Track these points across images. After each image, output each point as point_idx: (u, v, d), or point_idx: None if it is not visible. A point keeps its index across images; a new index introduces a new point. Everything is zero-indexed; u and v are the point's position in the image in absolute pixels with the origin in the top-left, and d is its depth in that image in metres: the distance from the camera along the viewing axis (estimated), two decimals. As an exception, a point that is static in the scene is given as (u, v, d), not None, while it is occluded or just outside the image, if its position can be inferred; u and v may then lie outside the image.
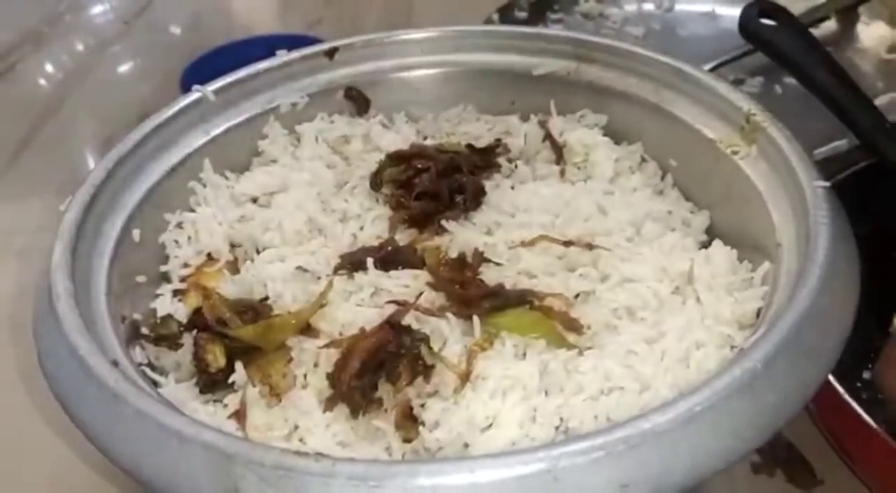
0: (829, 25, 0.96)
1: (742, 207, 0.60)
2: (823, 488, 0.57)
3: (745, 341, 0.49)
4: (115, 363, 0.48)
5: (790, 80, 0.89)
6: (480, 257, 0.59)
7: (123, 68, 1.05)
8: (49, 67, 1.04)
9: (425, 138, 0.73)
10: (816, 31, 0.94)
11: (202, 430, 0.43)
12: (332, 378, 0.52)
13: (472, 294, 0.55)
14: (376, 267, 0.59)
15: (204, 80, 0.69)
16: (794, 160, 0.56)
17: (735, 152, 0.61)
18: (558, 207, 0.63)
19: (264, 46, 0.73)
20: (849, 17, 0.96)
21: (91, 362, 0.47)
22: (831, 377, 0.53)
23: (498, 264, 0.58)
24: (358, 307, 0.56)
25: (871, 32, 0.95)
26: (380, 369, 0.52)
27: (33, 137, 0.92)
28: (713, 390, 0.42)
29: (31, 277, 0.55)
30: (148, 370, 0.55)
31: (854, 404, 0.53)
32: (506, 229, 0.61)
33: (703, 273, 0.57)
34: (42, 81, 1.03)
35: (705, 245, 0.61)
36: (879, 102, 0.83)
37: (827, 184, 0.54)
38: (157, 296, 0.61)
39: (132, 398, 0.45)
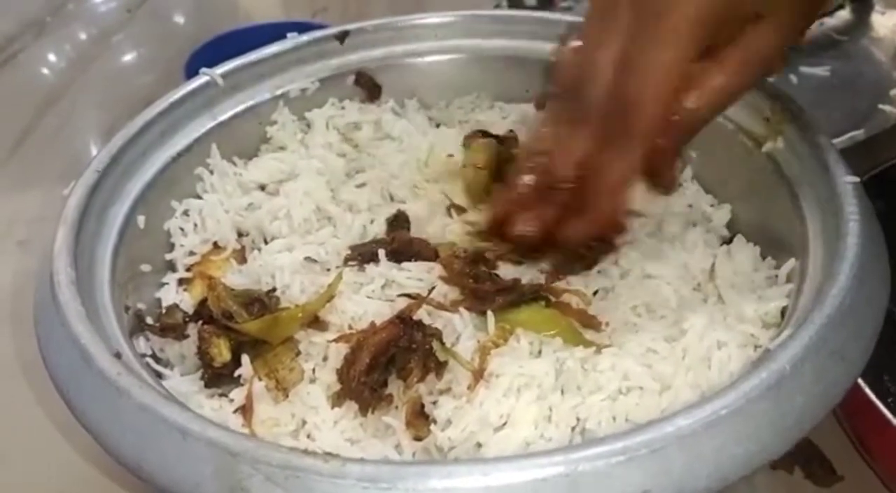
0: (843, 14, 0.94)
1: (765, 201, 0.58)
2: (843, 484, 0.55)
3: (770, 341, 0.47)
4: (118, 355, 0.47)
5: (806, 70, 0.87)
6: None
7: (126, 58, 1.03)
8: (51, 57, 1.03)
9: (438, 126, 0.71)
10: (831, 21, 0.93)
11: (207, 426, 0.41)
12: (341, 374, 0.50)
13: (487, 289, 0.54)
14: (388, 259, 0.57)
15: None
16: (822, 153, 0.54)
17: (759, 144, 0.59)
18: (575, 200, 0.61)
19: (270, 33, 0.71)
20: (863, 6, 0.95)
21: (93, 352, 0.46)
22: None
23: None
24: (368, 300, 0.55)
25: (885, 21, 0.93)
26: (390, 364, 0.50)
27: (35, 127, 0.91)
28: (739, 393, 0.41)
29: (31, 267, 0.54)
30: (152, 362, 0.54)
31: (878, 402, 0.52)
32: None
33: (724, 270, 0.55)
34: (45, 71, 1.01)
35: (727, 241, 0.59)
36: (895, 92, 0.82)
37: (856, 178, 0.52)
38: (162, 285, 0.60)
39: (135, 391, 0.43)
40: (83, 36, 1.05)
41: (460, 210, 0.63)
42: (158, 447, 0.42)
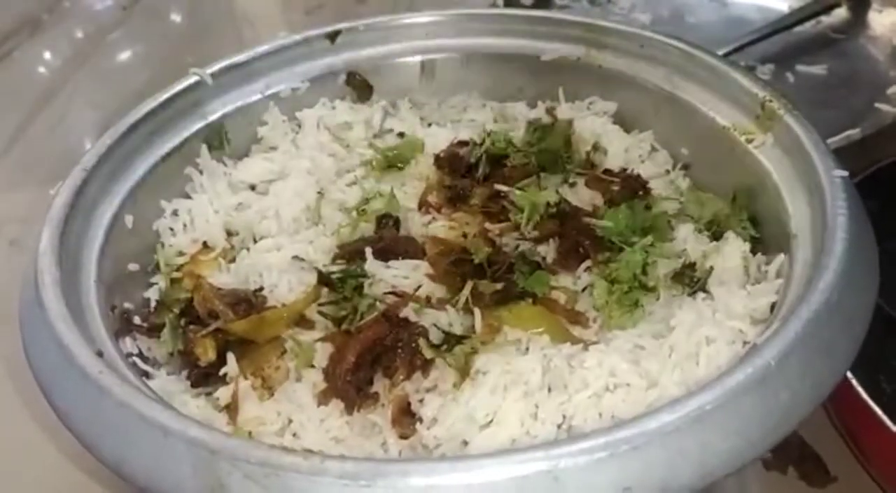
0: (841, 13, 0.94)
1: (756, 196, 0.58)
2: (837, 485, 0.55)
3: (758, 336, 0.47)
4: (100, 354, 0.46)
5: (803, 68, 0.87)
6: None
7: (122, 56, 1.03)
8: (47, 54, 1.03)
9: (430, 125, 0.71)
10: (828, 19, 0.93)
11: (187, 424, 0.41)
12: (327, 372, 0.50)
13: (474, 287, 0.53)
14: (375, 257, 0.57)
15: None
16: (810, 148, 0.53)
17: (749, 140, 0.59)
18: (565, 197, 0.61)
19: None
20: (860, 5, 0.95)
21: (75, 351, 0.45)
22: (849, 374, 0.50)
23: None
24: (355, 298, 0.54)
25: (882, 20, 0.94)
26: (376, 363, 0.50)
27: (30, 125, 0.91)
28: (723, 389, 0.40)
29: (22, 267, 0.54)
30: (139, 361, 0.54)
31: (872, 403, 0.51)
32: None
33: (714, 266, 0.54)
34: (40, 69, 1.01)
35: (716, 236, 0.59)
36: (891, 90, 0.82)
37: (845, 173, 0.51)
38: (150, 285, 0.60)
39: (116, 390, 0.43)
40: (79, 34, 1.04)
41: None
42: (139, 446, 0.42)
